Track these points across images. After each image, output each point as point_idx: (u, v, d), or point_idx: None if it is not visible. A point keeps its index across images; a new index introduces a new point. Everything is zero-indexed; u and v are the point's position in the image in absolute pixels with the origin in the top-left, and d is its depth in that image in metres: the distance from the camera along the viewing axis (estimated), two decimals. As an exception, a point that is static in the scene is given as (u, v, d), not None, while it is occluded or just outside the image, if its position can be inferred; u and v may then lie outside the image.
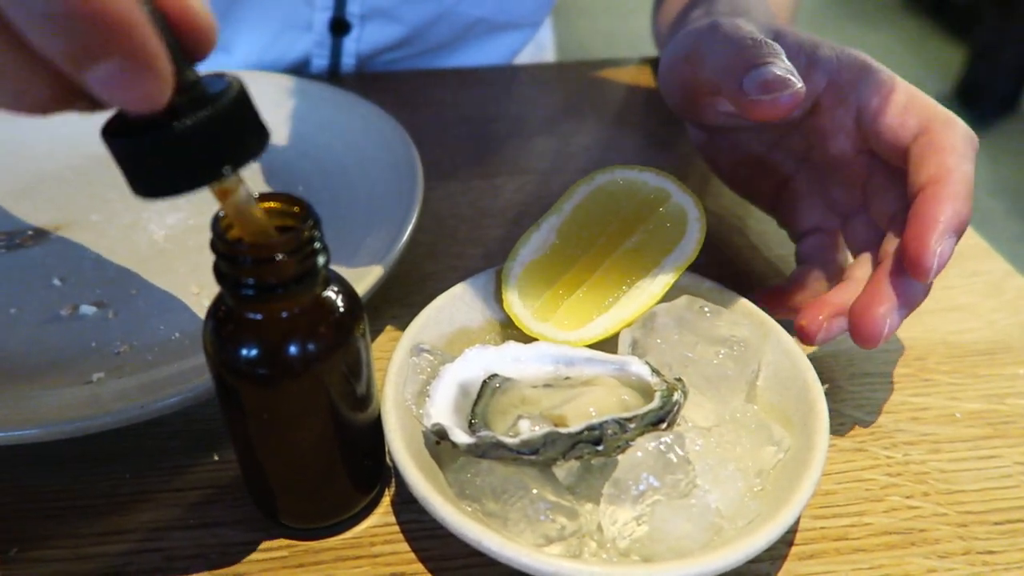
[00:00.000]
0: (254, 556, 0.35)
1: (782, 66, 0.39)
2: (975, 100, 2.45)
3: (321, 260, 0.30)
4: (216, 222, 0.28)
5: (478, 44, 0.82)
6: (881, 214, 0.43)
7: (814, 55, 0.43)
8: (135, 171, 0.25)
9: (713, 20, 0.44)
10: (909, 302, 0.38)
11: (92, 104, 0.24)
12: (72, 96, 0.24)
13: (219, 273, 0.29)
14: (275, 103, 0.62)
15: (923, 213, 0.37)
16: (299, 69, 0.75)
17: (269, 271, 0.28)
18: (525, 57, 0.88)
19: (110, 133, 0.25)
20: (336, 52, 0.75)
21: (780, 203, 0.49)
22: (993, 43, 2.42)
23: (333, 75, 0.75)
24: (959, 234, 0.37)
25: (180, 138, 0.24)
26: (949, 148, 0.38)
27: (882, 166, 0.43)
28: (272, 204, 0.30)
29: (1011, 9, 2.36)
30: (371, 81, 0.73)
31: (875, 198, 0.43)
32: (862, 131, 0.42)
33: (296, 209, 0.30)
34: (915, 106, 0.40)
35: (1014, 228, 2.01)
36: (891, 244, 0.40)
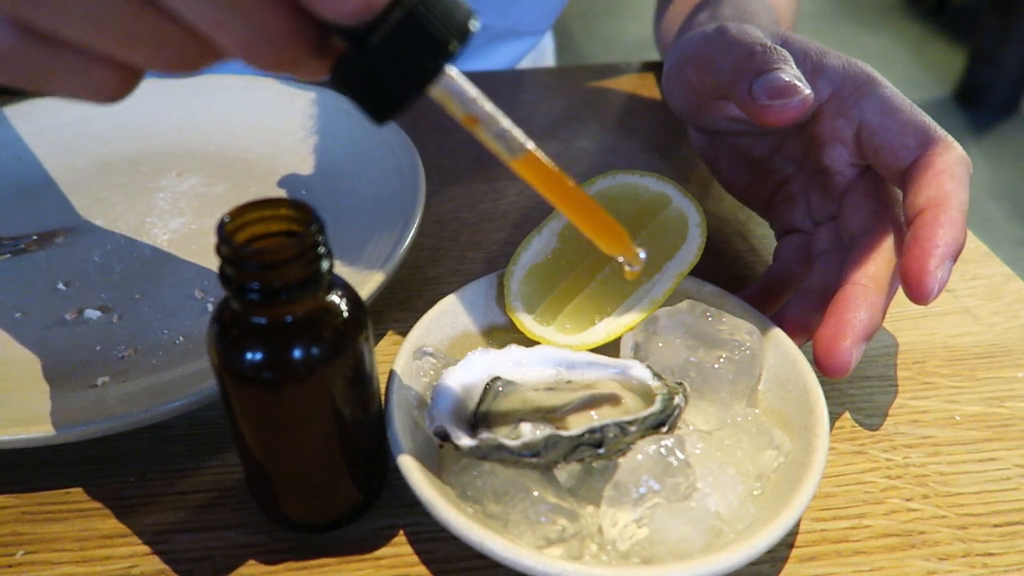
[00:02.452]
0: (257, 559, 0.35)
1: (791, 72, 0.39)
2: (975, 103, 2.45)
3: (325, 265, 0.30)
4: (221, 226, 0.29)
5: (482, 52, 0.82)
6: (846, 229, 0.43)
7: (820, 63, 0.43)
8: (372, 90, 0.26)
9: (720, 24, 0.44)
10: (870, 331, 0.38)
11: (220, 57, 0.26)
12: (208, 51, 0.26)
13: (224, 277, 0.29)
14: (277, 108, 0.62)
15: (923, 237, 0.37)
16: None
17: (274, 275, 0.28)
18: (525, 63, 0.88)
19: (338, 77, 0.26)
20: None
21: (773, 204, 0.49)
22: (993, 46, 2.43)
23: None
24: (955, 259, 0.37)
25: (404, 25, 0.24)
26: (948, 172, 0.38)
27: (861, 182, 0.43)
28: (276, 210, 0.30)
29: (1011, 13, 2.37)
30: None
31: (846, 212, 0.43)
32: (861, 145, 0.42)
33: (300, 214, 0.30)
34: (916, 125, 0.40)
35: (1014, 232, 2.01)
36: (853, 269, 0.40)
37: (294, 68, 0.26)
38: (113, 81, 0.27)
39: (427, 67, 0.26)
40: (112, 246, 0.52)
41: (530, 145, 0.29)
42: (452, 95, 0.27)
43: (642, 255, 0.33)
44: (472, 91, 0.28)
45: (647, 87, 0.75)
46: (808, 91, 0.39)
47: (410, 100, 0.26)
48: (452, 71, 0.27)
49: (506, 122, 0.29)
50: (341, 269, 0.33)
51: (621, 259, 0.33)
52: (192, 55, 0.26)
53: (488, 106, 0.28)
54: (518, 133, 0.29)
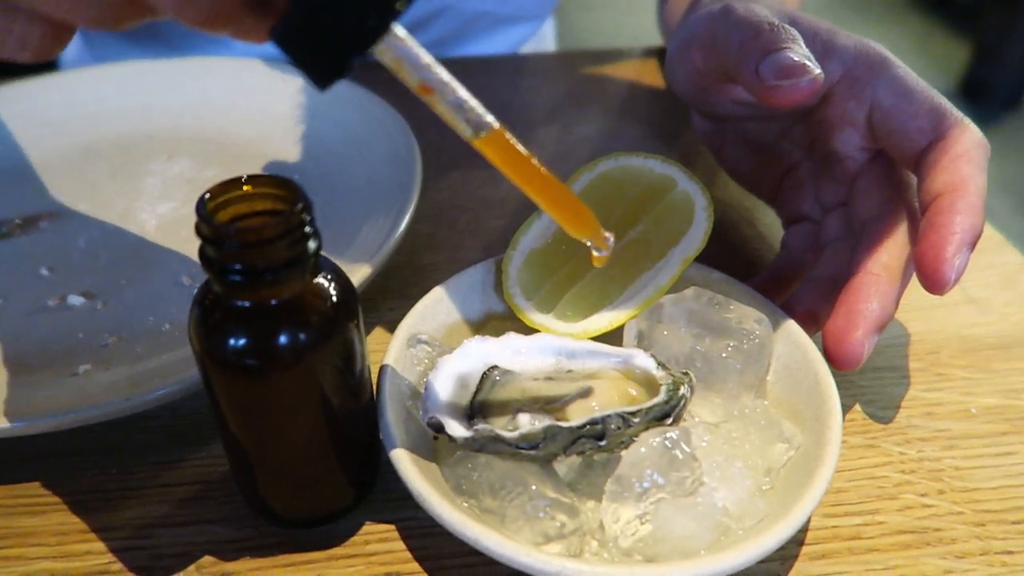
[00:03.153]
0: (243, 554, 0.34)
1: (800, 52, 0.38)
2: (979, 97, 2.43)
3: (312, 245, 0.28)
4: (201, 204, 0.27)
5: (482, 37, 0.81)
6: (857, 216, 0.42)
7: (831, 43, 0.41)
8: (314, 50, 0.25)
9: (727, 4, 0.43)
10: (883, 322, 0.37)
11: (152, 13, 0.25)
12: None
13: (205, 258, 0.28)
14: (271, 91, 0.61)
15: (939, 224, 0.35)
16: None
17: (257, 256, 0.27)
18: (526, 49, 0.87)
19: (278, 36, 0.25)
20: None
21: (781, 191, 0.48)
22: (997, 40, 2.41)
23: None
24: (973, 246, 0.35)
25: None
26: (965, 156, 0.37)
27: (873, 167, 0.42)
28: (259, 187, 0.29)
29: (1015, 7, 2.35)
30: (371, 69, 0.72)
31: (858, 198, 0.42)
32: (873, 128, 0.41)
33: (285, 192, 0.28)
34: (932, 107, 0.39)
35: (1020, 225, 2.00)
36: (865, 257, 0.39)
37: (231, 25, 0.25)
38: (37, 36, 0.26)
39: (372, 26, 0.25)
40: (98, 231, 0.50)
41: (490, 118, 0.28)
42: (402, 60, 0.26)
43: (610, 240, 0.31)
44: (425, 57, 0.26)
45: (650, 72, 0.74)
46: (818, 71, 0.37)
47: (354, 61, 0.25)
48: (400, 32, 0.26)
49: (464, 92, 0.27)
50: (334, 255, 0.31)
51: (589, 243, 0.31)
52: (118, 9, 0.25)
53: (443, 74, 0.27)
54: (477, 105, 0.28)
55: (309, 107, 0.60)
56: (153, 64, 0.63)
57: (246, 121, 0.60)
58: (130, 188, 0.54)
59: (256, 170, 0.56)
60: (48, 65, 0.85)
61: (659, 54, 0.76)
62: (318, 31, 0.24)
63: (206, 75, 0.62)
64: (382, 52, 0.26)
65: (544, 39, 0.91)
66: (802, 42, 0.39)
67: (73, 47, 0.83)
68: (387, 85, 0.63)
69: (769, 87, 0.38)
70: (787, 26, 0.40)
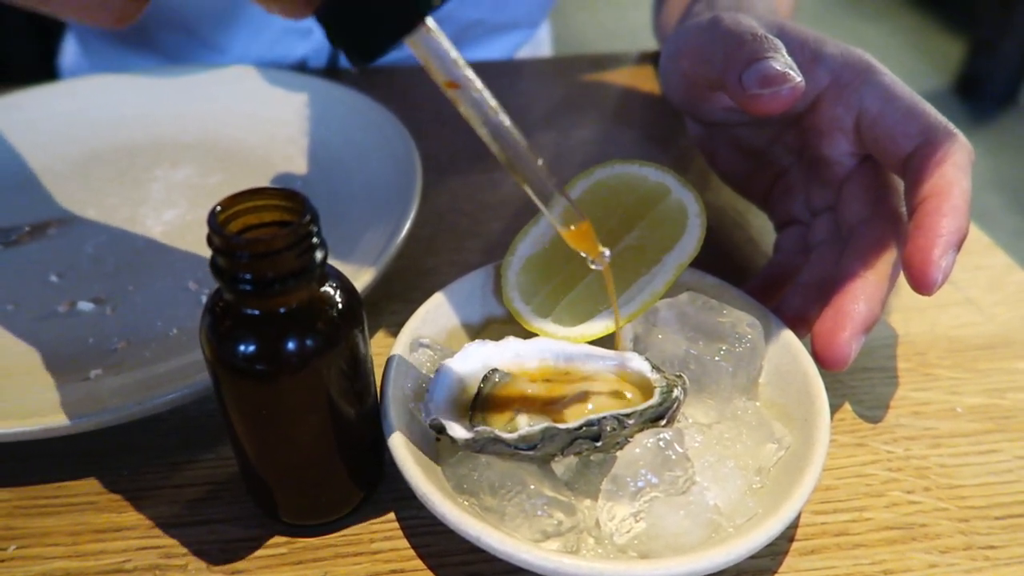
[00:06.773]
0: (252, 553, 0.35)
1: (782, 61, 0.39)
2: (974, 94, 2.44)
3: (319, 255, 0.29)
4: (213, 216, 0.28)
5: (477, 44, 0.82)
6: (845, 219, 0.43)
7: (818, 51, 0.42)
8: (351, 30, 0.27)
9: (714, 14, 0.44)
10: (870, 323, 0.38)
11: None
12: None
13: (216, 268, 0.29)
14: (273, 98, 0.62)
15: (926, 226, 0.36)
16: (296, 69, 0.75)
17: (266, 266, 0.28)
18: (522, 54, 0.88)
19: (322, 15, 0.27)
20: (334, 57, 0.75)
21: (772, 195, 0.49)
22: (992, 37, 2.42)
23: (331, 70, 0.75)
24: (959, 248, 0.37)
25: None
26: (950, 161, 0.38)
27: (860, 172, 0.43)
28: (268, 199, 0.30)
29: (1010, 2, 2.36)
30: (370, 75, 0.73)
31: (845, 202, 0.43)
32: (860, 133, 0.42)
33: (293, 203, 0.29)
34: (917, 113, 0.40)
35: (1013, 223, 2.01)
36: (852, 260, 0.40)
37: (279, 2, 0.27)
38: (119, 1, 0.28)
39: (410, 13, 0.26)
40: (105, 237, 0.51)
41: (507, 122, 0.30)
42: (431, 54, 0.28)
43: (607, 254, 0.35)
44: (453, 52, 0.29)
45: (645, 77, 0.75)
46: (799, 79, 0.38)
47: (392, 44, 0.27)
48: (431, 24, 0.27)
49: (482, 86, 0.30)
50: (336, 260, 0.32)
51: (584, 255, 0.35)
52: None
53: (468, 72, 0.29)
54: (496, 105, 0.30)
55: (310, 114, 0.61)
56: (155, 73, 0.64)
57: (248, 128, 0.61)
58: (135, 194, 0.55)
59: (259, 176, 0.57)
60: (49, 73, 0.86)
61: (654, 59, 0.77)
62: (359, 15, 0.26)
63: (209, 83, 0.63)
64: (414, 43, 0.27)
65: (540, 43, 0.92)
66: (785, 51, 0.40)
67: (70, 56, 0.84)
68: (387, 91, 0.64)
69: (752, 95, 0.39)
70: (770, 36, 0.41)
